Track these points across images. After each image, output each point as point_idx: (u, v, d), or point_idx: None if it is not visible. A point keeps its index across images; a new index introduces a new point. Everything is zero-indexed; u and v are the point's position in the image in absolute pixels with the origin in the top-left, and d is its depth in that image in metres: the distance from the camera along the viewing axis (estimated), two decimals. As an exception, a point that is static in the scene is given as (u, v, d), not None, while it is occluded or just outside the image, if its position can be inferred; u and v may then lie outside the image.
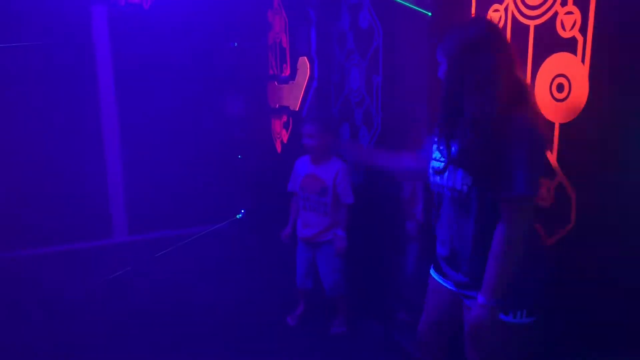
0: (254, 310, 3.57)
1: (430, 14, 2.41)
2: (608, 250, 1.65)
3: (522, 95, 1.59)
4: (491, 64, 1.51)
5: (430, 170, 1.80)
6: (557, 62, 1.76)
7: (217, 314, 3.51)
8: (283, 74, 4.52)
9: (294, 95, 4.28)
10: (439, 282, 1.93)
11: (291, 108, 4.38)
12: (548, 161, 1.72)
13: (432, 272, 1.99)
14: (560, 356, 1.84)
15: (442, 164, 1.70)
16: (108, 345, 3.12)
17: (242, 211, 5.52)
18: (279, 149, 4.96)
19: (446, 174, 1.69)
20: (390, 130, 2.87)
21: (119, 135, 5.03)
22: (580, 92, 1.68)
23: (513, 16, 1.93)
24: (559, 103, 1.76)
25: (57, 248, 4.82)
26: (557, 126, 1.78)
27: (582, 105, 1.68)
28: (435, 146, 1.80)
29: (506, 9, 1.96)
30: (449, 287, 1.87)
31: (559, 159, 1.79)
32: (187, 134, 5.24)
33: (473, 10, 2.14)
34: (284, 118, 4.66)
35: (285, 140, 4.74)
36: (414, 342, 2.13)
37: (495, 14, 2.01)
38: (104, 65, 4.83)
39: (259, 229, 5.30)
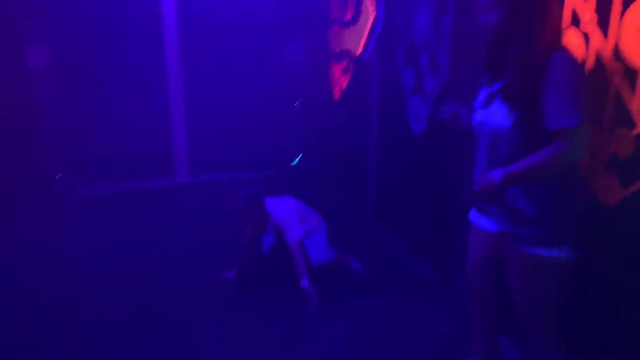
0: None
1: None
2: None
3: (560, 41, 1.67)
4: (541, 9, 1.60)
5: (474, 113, 1.86)
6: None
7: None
8: (345, 17, 4.42)
9: (356, 38, 4.20)
10: (478, 226, 1.96)
11: (352, 52, 4.30)
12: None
13: (471, 216, 2.02)
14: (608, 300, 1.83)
15: (486, 99, 1.77)
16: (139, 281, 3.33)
17: (299, 157, 5.57)
18: (337, 95, 4.93)
19: (489, 109, 1.74)
20: (458, 76, 2.78)
21: (182, 81, 5.13)
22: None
23: (604, -49, 1.79)
24: (648, 47, 1.64)
25: (125, 186, 5.07)
26: (641, 73, 1.67)
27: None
28: (479, 92, 1.87)
29: (596, -57, 1.81)
30: (489, 229, 1.90)
31: (642, 108, 1.69)
32: (247, 79, 5.27)
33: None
34: (344, 63, 4.59)
35: (344, 87, 4.70)
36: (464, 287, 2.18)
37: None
38: (169, 10, 4.87)
39: (315, 175, 5.36)
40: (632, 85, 1.70)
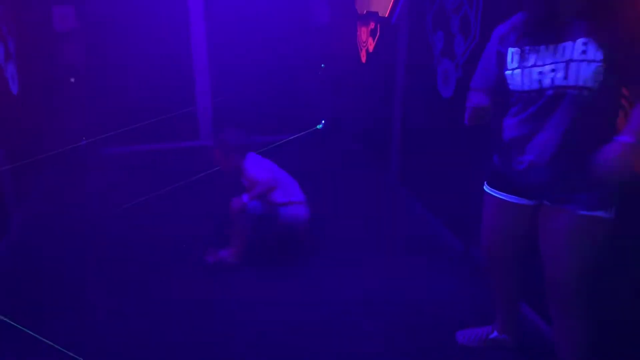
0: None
1: None
2: None
3: None
4: None
5: (533, 75, 1.66)
6: None
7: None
8: (373, -22, 4.29)
9: (384, 0, 4.08)
10: (506, 200, 1.91)
11: (380, 14, 4.19)
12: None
13: (493, 190, 1.96)
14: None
15: (558, 63, 1.59)
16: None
17: (323, 121, 5.52)
18: (363, 58, 4.84)
19: (569, 72, 1.57)
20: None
21: (206, 45, 5.10)
22: None
23: None
24: None
25: (150, 147, 5.14)
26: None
27: None
28: (521, 51, 1.70)
29: None
30: (522, 202, 1.87)
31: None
32: (271, 42, 5.20)
33: None
34: (372, 25, 4.48)
35: (371, 50, 4.61)
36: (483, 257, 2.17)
37: None
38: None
39: (339, 139, 5.33)
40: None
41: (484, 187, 2.01)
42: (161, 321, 2.52)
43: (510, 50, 1.74)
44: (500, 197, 1.93)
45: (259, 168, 3.06)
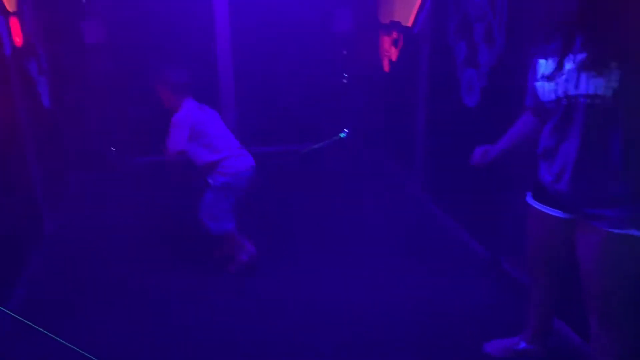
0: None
1: None
2: None
3: None
4: None
5: (550, 85, 1.67)
6: None
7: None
8: (396, -13, 4.32)
9: (407, 8, 4.10)
10: (543, 211, 1.91)
11: (403, 23, 4.21)
12: None
13: (534, 201, 1.96)
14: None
15: (572, 72, 1.58)
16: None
17: (346, 130, 5.55)
18: (386, 67, 4.85)
19: (579, 81, 1.56)
20: (516, 50, 2.67)
21: (231, 53, 5.16)
22: None
23: None
24: None
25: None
26: None
27: None
28: (545, 62, 1.70)
29: None
30: (557, 215, 1.85)
31: None
32: (295, 51, 5.24)
33: None
34: (394, 35, 4.50)
35: (394, 59, 4.62)
36: (521, 269, 2.12)
37: None
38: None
39: (362, 148, 5.35)
40: None
41: (527, 199, 2.01)
42: (174, 324, 2.58)
43: (539, 62, 1.75)
44: (540, 208, 1.93)
45: (181, 129, 2.92)
